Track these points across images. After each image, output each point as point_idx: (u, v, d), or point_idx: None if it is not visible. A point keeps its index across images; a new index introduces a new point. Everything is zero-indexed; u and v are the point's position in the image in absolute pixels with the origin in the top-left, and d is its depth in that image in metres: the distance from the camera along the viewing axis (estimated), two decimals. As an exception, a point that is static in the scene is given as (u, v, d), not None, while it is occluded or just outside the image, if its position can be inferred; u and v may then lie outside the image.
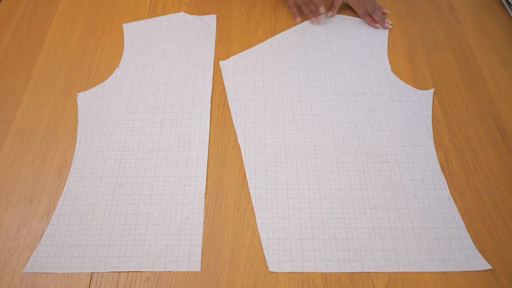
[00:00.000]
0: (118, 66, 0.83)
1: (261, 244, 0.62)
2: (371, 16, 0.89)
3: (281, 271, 0.60)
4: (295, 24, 0.90)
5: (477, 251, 0.61)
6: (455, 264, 0.60)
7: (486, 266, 0.60)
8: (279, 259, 0.61)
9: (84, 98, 0.79)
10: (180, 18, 0.91)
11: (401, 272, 0.60)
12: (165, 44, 0.87)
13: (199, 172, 0.69)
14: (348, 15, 0.92)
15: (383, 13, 0.91)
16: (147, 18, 0.92)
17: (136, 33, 0.89)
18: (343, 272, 0.60)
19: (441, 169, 0.69)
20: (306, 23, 0.90)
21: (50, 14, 0.92)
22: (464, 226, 0.64)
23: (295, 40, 0.87)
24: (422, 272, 0.60)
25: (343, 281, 0.59)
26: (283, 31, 0.89)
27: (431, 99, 0.78)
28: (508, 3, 0.92)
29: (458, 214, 0.65)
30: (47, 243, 0.63)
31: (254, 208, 0.66)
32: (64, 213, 0.65)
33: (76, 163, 0.70)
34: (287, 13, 0.92)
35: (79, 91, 0.80)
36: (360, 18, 0.91)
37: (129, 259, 0.61)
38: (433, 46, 0.87)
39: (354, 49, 0.86)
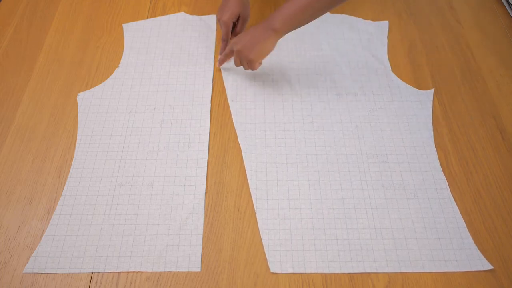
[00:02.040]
0: (118, 66, 0.83)
1: (261, 244, 0.62)
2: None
3: (282, 272, 0.60)
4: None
5: (478, 251, 0.61)
6: (457, 264, 0.60)
7: (487, 266, 0.60)
8: (280, 260, 0.61)
9: (84, 98, 0.78)
10: (180, 18, 0.91)
11: (401, 272, 0.60)
12: (165, 44, 0.87)
13: (199, 172, 0.69)
14: (349, 15, 0.92)
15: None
16: (147, 18, 0.91)
17: (136, 33, 0.89)
18: (343, 273, 0.60)
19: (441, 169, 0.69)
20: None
21: (50, 14, 0.92)
22: (465, 226, 0.64)
23: (295, 40, 0.87)
24: (423, 272, 0.60)
25: (343, 281, 0.59)
26: (283, 31, 0.89)
27: (432, 99, 0.78)
28: (508, 3, 0.92)
29: (459, 214, 0.65)
30: (47, 243, 0.62)
31: (255, 209, 0.65)
32: (64, 213, 0.65)
33: (76, 163, 0.70)
34: (287, 13, 0.92)
35: (79, 91, 0.79)
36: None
37: (129, 259, 0.61)
38: (433, 46, 0.87)
39: (354, 49, 0.86)
